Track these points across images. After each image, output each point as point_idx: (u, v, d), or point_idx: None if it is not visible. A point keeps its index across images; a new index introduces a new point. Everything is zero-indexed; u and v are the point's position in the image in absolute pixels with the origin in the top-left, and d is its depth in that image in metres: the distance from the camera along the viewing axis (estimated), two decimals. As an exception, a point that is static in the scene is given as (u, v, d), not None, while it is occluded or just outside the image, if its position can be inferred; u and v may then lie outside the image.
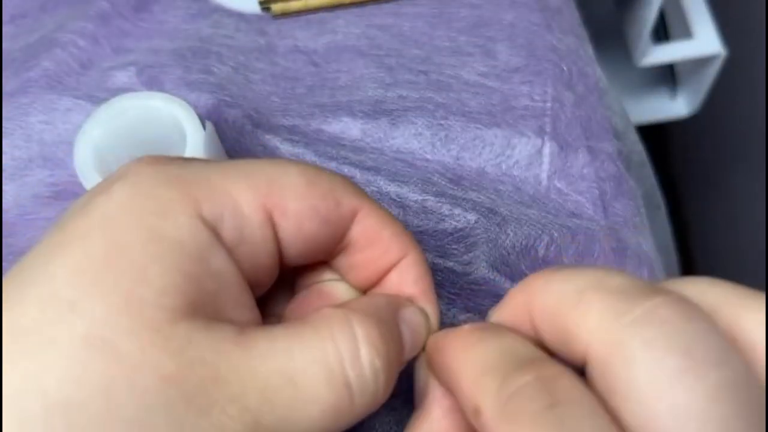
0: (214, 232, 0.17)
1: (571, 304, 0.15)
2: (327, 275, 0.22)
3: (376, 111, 0.33)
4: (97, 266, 0.15)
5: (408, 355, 0.19)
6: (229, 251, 0.17)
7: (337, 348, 0.17)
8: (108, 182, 0.17)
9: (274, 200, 0.18)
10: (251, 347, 0.16)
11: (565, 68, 0.35)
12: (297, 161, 0.21)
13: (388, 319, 0.19)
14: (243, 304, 0.18)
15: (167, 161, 0.18)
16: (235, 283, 0.17)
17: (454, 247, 0.29)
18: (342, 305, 0.19)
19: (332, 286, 0.22)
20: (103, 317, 0.15)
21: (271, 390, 0.16)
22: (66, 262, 0.15)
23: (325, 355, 0.16)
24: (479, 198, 0.31)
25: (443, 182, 0.31)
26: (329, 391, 0.16)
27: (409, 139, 0.33)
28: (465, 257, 0.29)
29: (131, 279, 0.15)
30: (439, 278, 0.28)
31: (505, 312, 0.19)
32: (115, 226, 0.16)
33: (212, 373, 0.15)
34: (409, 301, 0.21)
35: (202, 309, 0.16)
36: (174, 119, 0.28)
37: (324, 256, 0.21)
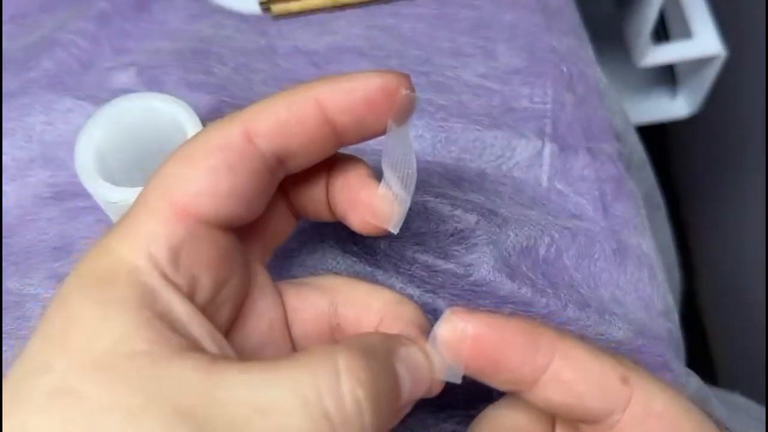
0: (161, 272, 0.18)
1: None
2: None
3: (376, 112, 0.33)
4: (60, 335, 0.17)
5: (409, 395, 0.19)
6: (181, 289, 0.18)
7: (315, 377, 0.16)
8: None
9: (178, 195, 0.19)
10: (220, 378, 0.16)
11: (565, 69, 0.35)
12: None
13: (378, 352, 0.18)
14: (212, 338, 0.18)
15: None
16: (192, 322, 0.18)
17: (454, 248, 0.29)
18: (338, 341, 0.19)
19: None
20: (67, 370, 0.16)
21: (239, 421, 0.15)
22: (39, 335, 0.17)
23: (300, 385, 0.16)
24: (480, 199, 0.31)
25: (444, 184, 0.31)
26: (305, 422, 0.16)
27: (410, 140, 0.33)
28: (466, 258, 0.29)
29: (88, 337, 0.16)
30: (440, 280, 0.28)
31: None
32: (69, 302, 0.17)
33: (175, 406, 0.15)
34: (410, 340, 0.20)
35: (166, 346, 0.16)
36: (174, 120, 0.28)
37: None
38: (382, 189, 0.21)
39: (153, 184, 0.19)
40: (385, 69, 0.20)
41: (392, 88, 0.20)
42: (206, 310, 0.19)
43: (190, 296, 0.18)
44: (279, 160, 0.20)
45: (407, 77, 0.20)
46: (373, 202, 0.21)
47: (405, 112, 0.20)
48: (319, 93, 0.20)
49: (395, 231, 0.21)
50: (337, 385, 0.16)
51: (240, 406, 0.15)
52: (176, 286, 0.18)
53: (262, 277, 0.22)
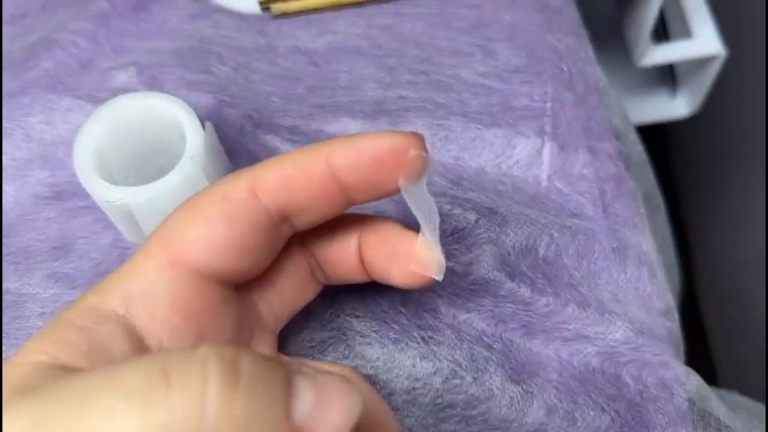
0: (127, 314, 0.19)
1: None
2: None
3: (376, 111, 0.33)
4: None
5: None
6: None
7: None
8: None
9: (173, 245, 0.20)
10: None
11: (565, 68, 0.35)
12: None
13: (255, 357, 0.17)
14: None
15: None
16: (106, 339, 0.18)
17: (454, 247, 0.29)
18: None
19: None
20: None
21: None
22: None
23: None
24: (479, 198, 0.31)
25: (443, 182, 0.31)
26: None
27: (409, 139, 0.33)
28: (465, 257, 0.29)
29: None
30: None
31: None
32: None
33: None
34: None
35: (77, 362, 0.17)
36: (174, 119, 0.28)
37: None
38: (421, 238, 0.22)
39: (157, 229, 0.20)
40: (399, 131, 0.20)
41: (402, 148, 0.20)
42: None
43: (162, 343, 0.19)
44: (284, 216, 0.20)
45: (419, 138, 0.20)
46: (414, 252, 0.21)
47: (416, 172, 0.20)
48: (328, 151, 0.20)
49: (440, 278, 0.22)
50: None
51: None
52: (132, 332, 0.18)
53: (263, 344, 0.22)
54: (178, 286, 0.19)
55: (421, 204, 0.21)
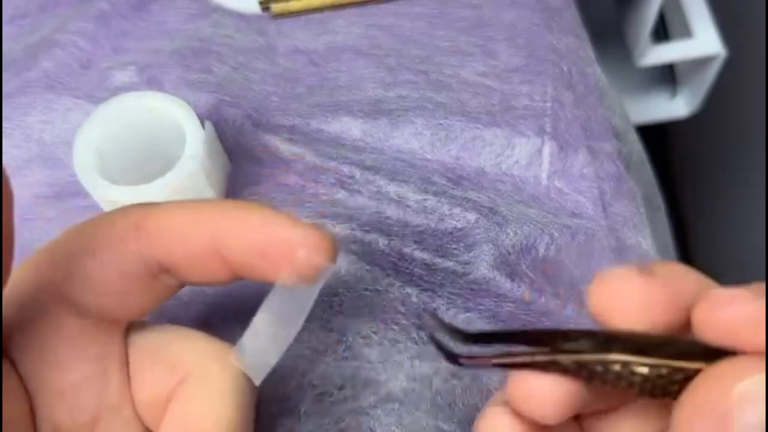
0: None
1: None
2: None
3: (375, 111, 0.33)
4: None
5: None
6: None
7: None
8: None
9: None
10: None
11: (565, 68, 0.35)
12: None
13: None
14: None
15: None
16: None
17: (454, 246, 0.29)
18: None
19: None
20: None
21: None
22: None
23: None
24: (479, 198, 0.31)
25: (443, 182, 0.31)
26: None
27: (409, 138, 0.33)
28: (465, 257, 0.29)
29: None
30: (439, 278, 0.28)
31: None
32: None
33: None
34: None
35: None
36: (174, 119, 0.28)
37: None
38: (245, 339, 0.18)
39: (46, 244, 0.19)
40: (310, 224, 0.18)
41: (290, 245, 0.18)
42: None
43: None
44: (163, 268, 0.19)
45: (324, 240, 0.18)
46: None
47: (303, 275, 0.18)
48: (216, 224, 0.18)
49: (257, 382, 0.19)
50: None
51: None
52: None
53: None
54: (37, 306, 0.18)
55: (290, 306, 0.18)
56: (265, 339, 0.18)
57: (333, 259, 0.18)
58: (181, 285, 0.20)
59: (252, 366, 0.18)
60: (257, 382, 0.19)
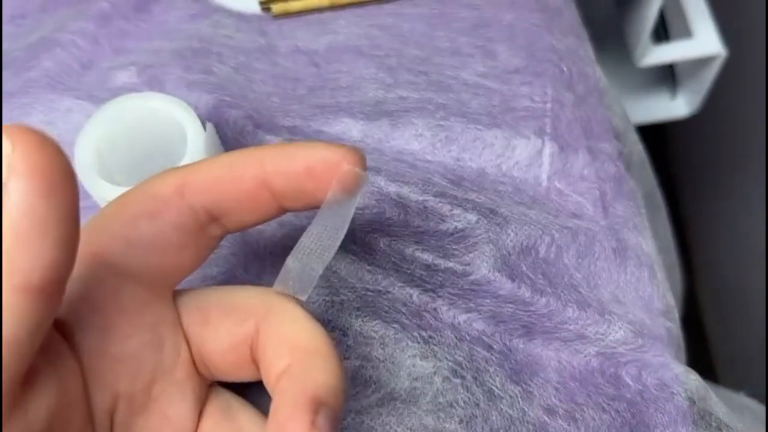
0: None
1: None
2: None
3: (376, 112, 0.33)
4: None
5: None
6: None
7: None
8: None
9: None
10: None
11: (565, 69, 0.35)
12: None
13: None
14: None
15: None
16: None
17: (454, 247, 0.29)
18: None
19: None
20: None
21: None
22: None
23: None
24: (480, 199, 0.31)
25: (444, 183, 0.31)
26: None
27: (410, 140, 0.33)
28: (465, 258, 0.29)
29: None
30: (440, 279, 0.28)
31: None
32: None
33: None
34: None
35: None
36: (174, 120, 0.28)
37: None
38: (298, 249, 0.20)
39: (87, 221, 0.19)
40: (339, 143, 0.20)
41: (334, 161, 0.19)
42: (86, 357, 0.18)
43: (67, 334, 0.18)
44: (211, 217, 0.20)
45: (358, 154, 0.20)
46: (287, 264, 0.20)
47: (348, 186, 0.20)
48: (261, 155, 0.20)
49: (303, 296, 0.20)
50: None
51: None
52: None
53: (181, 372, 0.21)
54: (93, 279, 0.19)
55: (333, 220, 0.20)
56: (312, 254, 0.20)
57: (365, 168, 0.20)
58: (224, 234, 0.21)
59: (300, 280, 0.20)
60: (304, 296, 0.20)
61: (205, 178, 0.20)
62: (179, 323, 0.21)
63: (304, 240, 0.20)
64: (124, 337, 0.19)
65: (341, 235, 0.20)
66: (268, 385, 0.20)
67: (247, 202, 0.20)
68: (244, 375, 0.21)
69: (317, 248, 0.20)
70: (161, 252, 0.19)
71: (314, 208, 0.20)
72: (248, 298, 0.21)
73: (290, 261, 0.20)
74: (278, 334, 0.20)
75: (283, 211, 0.21)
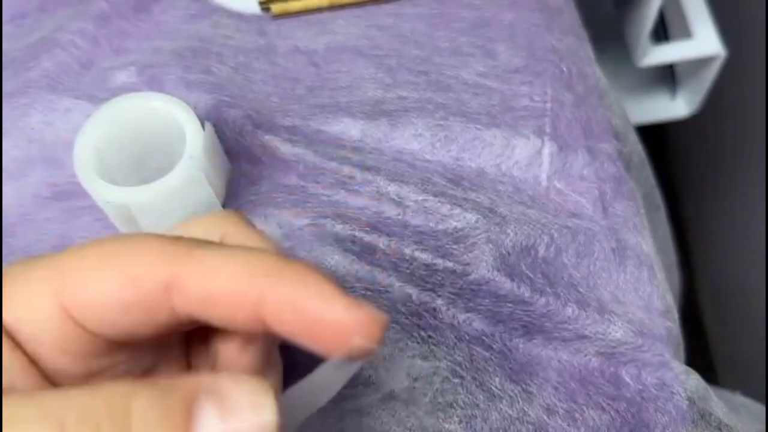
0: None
1: None
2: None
3: (375, 111, 0.33)
4: None
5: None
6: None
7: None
8: None
9: (67, 295, 0.17)
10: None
11: (564, 69, 0.35)
12: (104, 239, 0.18)
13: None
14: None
15: None
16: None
17: (454, 247, 0.29)
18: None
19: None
20: None
21: None
22: None
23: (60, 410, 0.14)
24: (479, 198, 0.31)
25: (443, 182, 0.31)
26: None
27: (409, 139, 0.33)
28: (465, 257, 0.29)
29: None
30: (439, 278, 0.28)
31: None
32: None
33: None
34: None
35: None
36: (174, 120, 0.28)
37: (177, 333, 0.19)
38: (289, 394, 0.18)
39: (59, 260, 0.17)
40: (360, 304, 0.17)
41: (347, 328, 0.17)
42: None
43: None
44: (193, 321, 0.18)
45: (379, 329, 0.17)
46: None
47: (353, 357, 0.17)
48: (269, 287, 0.17)
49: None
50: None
51: None
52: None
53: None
54: (69, 333, 0.17)
55: (328, 380, 0.18)
56: (295, 407, 0.18)
57: (382, 341, 0.17)
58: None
59: (289, 413, 0.17)
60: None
61: (199, 290, 0.17)
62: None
63: (291, 392, 0.18)
64: None
65: (333, 391, 0.18)
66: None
67: (232, 320, 0.17)
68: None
69: (308, 401, 0.18)
70: (133, 334, 0.18)
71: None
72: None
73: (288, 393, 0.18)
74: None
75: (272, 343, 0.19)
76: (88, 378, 0.18)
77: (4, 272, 0.17)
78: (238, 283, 0.17)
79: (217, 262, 0.17)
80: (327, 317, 0.17)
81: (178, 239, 0.17)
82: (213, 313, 0.17)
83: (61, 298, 0.17)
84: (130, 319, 0.17)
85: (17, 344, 0.17)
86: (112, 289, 0.17)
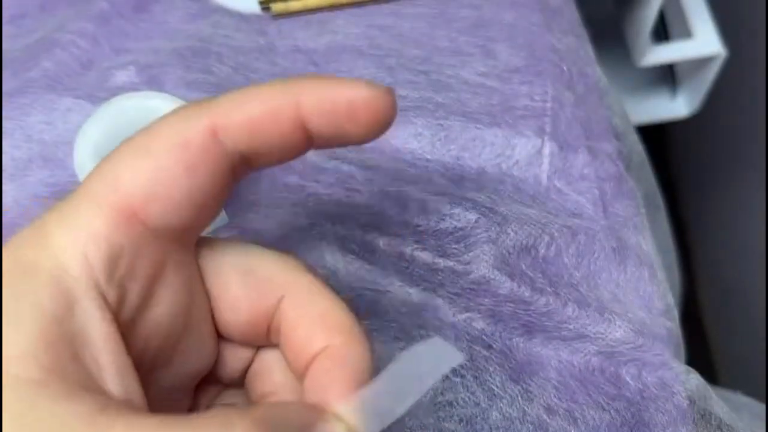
0: (91, 280, 0.16)
1: None
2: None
3: (376, 111, 0.33)
4: None
5: None
6: (114, 312, 0.16)
7: None
8: None
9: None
10: (103, 430, 0.14)
11: (565, 68, 0.35)
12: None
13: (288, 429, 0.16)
14: (120, 374, 0.16)
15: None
16: (105, 348, 0.16)
17: (454, 246, 0.29)
18: (244, 408, 0.16)
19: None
20: None
21: None
22: None
23: None
24: (479, 198, 0.31)
25: (443, 182, 0.31)
26: None
27: (409, 139, 0.33)
28: (465, 257, 0.29)
29: None
30: (440, 278, 0.28)
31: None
32: None
33: None
34: (335, 417, 0.17)
35: (60, 380, 0.15)
36: (174, 119, 0.28)
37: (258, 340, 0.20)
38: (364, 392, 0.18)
39: (102, 172, 0.17)
40: (370, 82, 0.19)
41: (374, 101, 0.18)
42: (126, 325, 0.17)
43: (115, 311, 0.17)
44: (243, 160, 0.18)
45: (390, 94, 0.19)
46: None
47: (381, 127, 0.19)
48: (300, 91, 0.18)
49: None
50: None
51: None
52: (103, 300, 0.16)
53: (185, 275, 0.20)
54: (133, 245, 0.17)
55: (412, 373, 0.18)
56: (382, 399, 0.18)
57: (395, 107, 0.19)
58: (248, 174, 0.20)
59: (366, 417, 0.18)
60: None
61: (241, 120, 0.18)
62: (201, 280, 0.20)
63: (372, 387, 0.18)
64: (162, 303, 0.18)
65: (409, 402, 0.18)
66: (296, 361, 0.19)
67: (280, 144, 0.18)
68: (252, 342, 0.21)
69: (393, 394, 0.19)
70: (197, 207, 0.18)
71: (341, 146, 0.19)
72: (268, 266, 0.20)
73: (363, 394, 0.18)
74: (309, 313, 0.19)
75: (309, 148, 0.19)
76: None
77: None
78: (273, 103, 0.18)
79: (247, 95, 0.18)
80: (359, 97, 0.18)
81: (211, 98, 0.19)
82: (259, 134, 0.18)
83: (120, 201, 0.17)
84: (196, 188, 0.17)
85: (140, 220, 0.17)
86: (168, 165, 0.17)
